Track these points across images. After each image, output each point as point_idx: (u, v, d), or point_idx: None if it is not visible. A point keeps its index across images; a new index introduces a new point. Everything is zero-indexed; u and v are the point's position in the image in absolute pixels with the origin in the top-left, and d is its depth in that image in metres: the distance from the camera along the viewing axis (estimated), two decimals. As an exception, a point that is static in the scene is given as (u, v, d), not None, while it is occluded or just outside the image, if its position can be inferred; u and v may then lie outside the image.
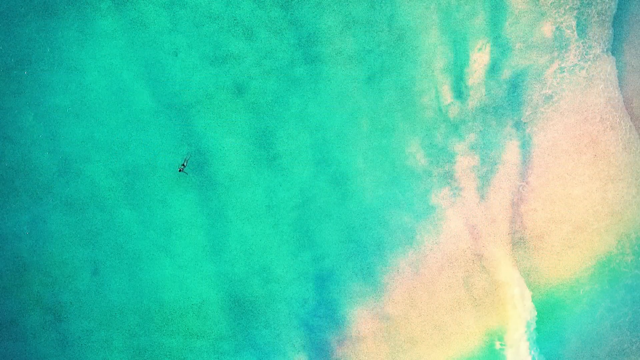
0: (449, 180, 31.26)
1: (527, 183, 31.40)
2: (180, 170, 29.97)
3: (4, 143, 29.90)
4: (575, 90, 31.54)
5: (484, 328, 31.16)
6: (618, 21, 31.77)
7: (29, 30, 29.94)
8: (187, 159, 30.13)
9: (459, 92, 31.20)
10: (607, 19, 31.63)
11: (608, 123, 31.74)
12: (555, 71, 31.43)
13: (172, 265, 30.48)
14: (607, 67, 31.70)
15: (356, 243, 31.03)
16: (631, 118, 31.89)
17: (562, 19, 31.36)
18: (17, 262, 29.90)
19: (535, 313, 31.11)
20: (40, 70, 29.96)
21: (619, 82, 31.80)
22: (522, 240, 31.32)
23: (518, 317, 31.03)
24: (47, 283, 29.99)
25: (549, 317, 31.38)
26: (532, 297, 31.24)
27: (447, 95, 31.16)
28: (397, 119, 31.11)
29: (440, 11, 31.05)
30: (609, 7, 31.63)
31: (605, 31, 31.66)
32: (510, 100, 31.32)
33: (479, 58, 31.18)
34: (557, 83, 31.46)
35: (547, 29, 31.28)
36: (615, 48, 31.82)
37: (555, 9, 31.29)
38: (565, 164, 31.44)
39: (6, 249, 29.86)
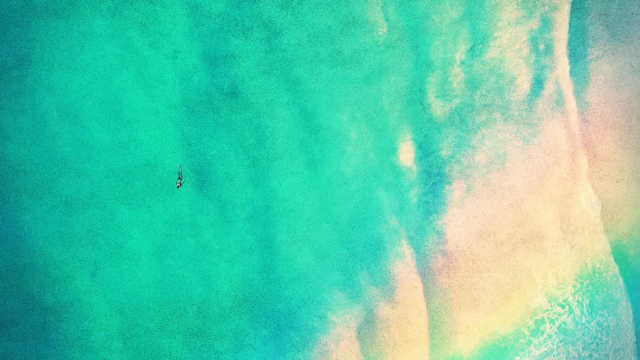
0: (449, 180, 31.28)
1: (527, 183, 31.41)
2: (178, 186, 30.07)
3: (4, 143, 29.89)
4: (575, 91, 31.56)
5: (484, 328, 31.18)
6: (618, 21, 31.79)
7: (29, 30, 29.93)
8: (180, 172, 30.19)
9: (460, 92, 31.22)
10: (607, 19, 31.66)
11: (608, 123, 31.76)
12: (555, 71, 31.46)
13: (172, 265, 30.48)
14: (607, 67, 31.72)
15: (356, 243, 31.04)
16: (631, 118, 31.91)
17: (561, 20, 31.39)
18: (17, 262, 29.90)
19: (539, 313, 31.15)
20: (40, 70, 29.96)
21: (619, 82, 31.82)
22: (522, 241, 31.34)
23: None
24: (47, 283, 29.99)
25: (549, 317, 31.39)
26: (533, 299, 31.28)
27: (447, 96, 31.19)
28: (397, 119, 31.13)
29: (440, 11, 31.08)
30: (609, 8, 31.66)
31: (605, 31, 31.68)
32: (510, 101, 31.34)
33: (479, 58, 31.20)
34: (557, 83, 31.48)
35: (551, 31, 31.30)
36: (615, 48, 31.83)
37: (555, 10, 31.31)
38: (566, 164, 31.45)
39: (6, 249, 29.86)
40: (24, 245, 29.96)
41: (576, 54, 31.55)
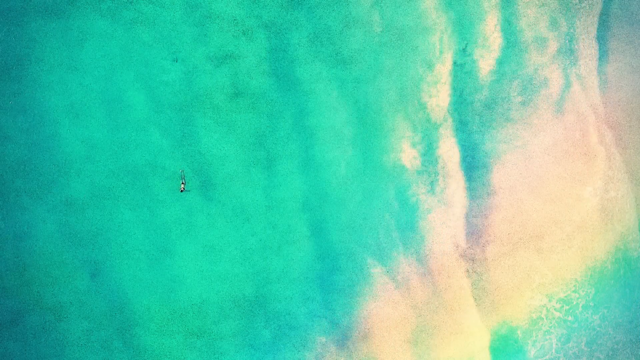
0: (449, 180, 31.26)
1: (527, 183, 31.40)
2: (182, 190, 30.10)
3: (4, 143, 29.89)
4: (575, 91, 31.55)
5: (483, 327, 31.15)
6: (618, 21, 31.79)
7: (29, 30, 29.93)
8: (183, 176, 30.22)
9: (460, 92, 31.22)
10: (608, 20, 31.66)
11: (608, 123, 31.75)
12: (555, 71, 31.45)
13: (172, 265, 30.48)
14: (606, 67, 31.73)
15: (356, 243, 31.03)
16: (631, 118, 31.90)
17: (562, 20, 31.40)
18: (17, 262, 29.89)
19: (540, 312, 31.18)
20: (40, 70, 29.96)
21: (619, 82, 31.81)
22: (522, 241, 31.32)
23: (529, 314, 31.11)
24: (47, 283, 29.98)
25: (550, 316, 31.38)
26: (534, 299, 31.28)
27: (447, 95, 31.19)
28: (397, 119, 31.12)
29: (440, 11, 31.09)
30: (609, 8, 31.67)
31: (606, 31, 31.69)
32: (510, 101, 31.33)
33: (479, 59, 31.20)
34: (558, 83, 31.48)
35: (548, 30, 31.31)
36: (615, 48, 31.82)
37: (557, 10, 31.32)
38: (565, 164, 31.44)
39: (6, 249, 29.85)
40: (24, 245, 29.95)
41: (576, 54, 31.55)
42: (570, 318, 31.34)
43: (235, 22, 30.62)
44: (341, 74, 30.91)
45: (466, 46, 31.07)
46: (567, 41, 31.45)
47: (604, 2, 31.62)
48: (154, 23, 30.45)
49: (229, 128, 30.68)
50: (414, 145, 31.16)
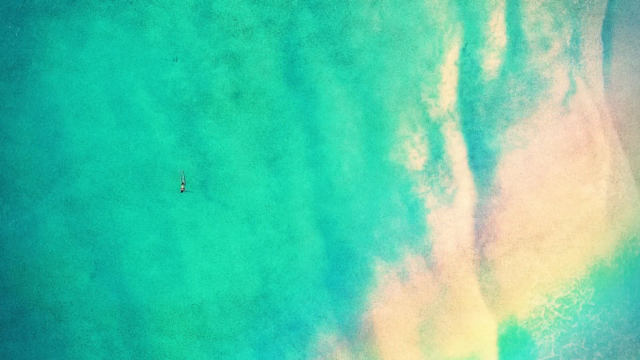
0: (450, 180, 31.27)
1: (528, 183, 31.40)
2: (182, 191, 30.11)
3: (4, 143, 29.89)
4: (578, 91, 31.56)
5: (483, 327, 31.15)
6: (618, 21, 31.81)
7: (29, 30, 29.94)
8: (183, 177, 30.20)
9: (460, 92, 31.24)
10: (608, 19, 31.68)
11: (608, 123, 31.76)
12: (558, 71, 31.46)
13: (172, 265, 30.47)
14: (607, 67, 31.74)
15: (358, 242, 31.03)
16: (631, 118, 31.91)
17: (565, 20, 31.42)
18: (17, 262, 29.89)
19: (539, 312, 31.19)
20: (40, 70, 29.96)
21: (619, 82, 31.83)
22: (521, 241, 31.33)
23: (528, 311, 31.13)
24: (47, 283, 29.98)
25: (550, 315, 31.39)
26: (534, 298, 31.29)
27: (448, 95, 31.20)
28: (398, 119, 31.13)
29: (440, 11, 31.12)
30: (611, 8, 31.68)
31: (606, 31, 31.71)
32: (510, 100, 31.34)
33: (480, 59, 31.22)
34: (561, 83, 31.49)
35: (550, 30, 31.33)
36: (615, 48, 31.84)
37: (559, 10, 31.34)
38: (565, 164, 31.45)
39: (6, 249, 29.85)
40: (24, 245, 29.95)
41: (579, 54, 31.57)
42: (570, 318, 31.34)
43: (235, 21, 30.64)
44: (341, 73, 30.93)
45: (466, 46, 31.10)
46: (570, 41, 31.46)
47: (606, 2, 31.63)
48: (154, 23, 30.46)
49: (230, 127, 30.69)
50: (414, 145, 31.17)
